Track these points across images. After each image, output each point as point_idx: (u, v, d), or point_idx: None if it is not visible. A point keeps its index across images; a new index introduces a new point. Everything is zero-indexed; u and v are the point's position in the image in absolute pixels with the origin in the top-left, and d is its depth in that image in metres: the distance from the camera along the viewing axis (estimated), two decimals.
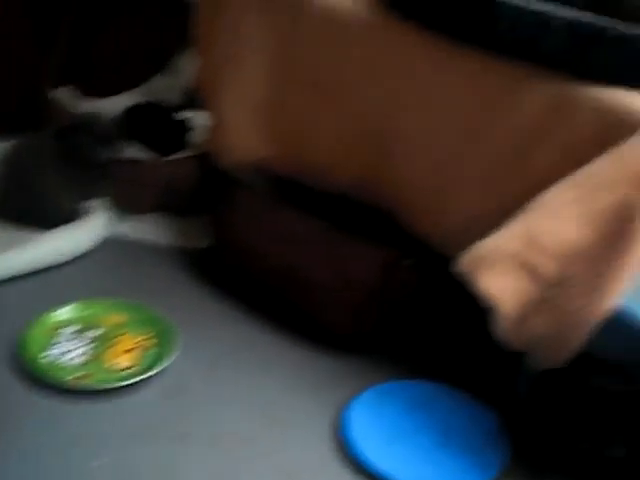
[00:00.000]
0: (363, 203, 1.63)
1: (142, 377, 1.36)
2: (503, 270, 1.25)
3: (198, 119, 1.95)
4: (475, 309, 1.31)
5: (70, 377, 1.35)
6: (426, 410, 1.39)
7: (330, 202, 1.65)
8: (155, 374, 1.37)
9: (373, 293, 1.48)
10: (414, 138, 1.47)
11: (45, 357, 1.39)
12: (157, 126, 1.92)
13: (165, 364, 1.39)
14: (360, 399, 1.38)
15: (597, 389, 1.28)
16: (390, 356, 1.52)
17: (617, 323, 1.23)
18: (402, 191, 1.54)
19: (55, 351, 1.41)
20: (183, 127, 1.93)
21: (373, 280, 1.48)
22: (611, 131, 1.25)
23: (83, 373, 1.37)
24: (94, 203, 1.75)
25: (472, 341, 1.55)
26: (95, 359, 1.40)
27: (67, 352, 1.41)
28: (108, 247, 1.72)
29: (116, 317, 1.50)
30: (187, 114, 1.97)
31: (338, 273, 1.49)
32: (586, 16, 1.26)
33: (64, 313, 1.49)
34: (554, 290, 1.25)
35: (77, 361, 1.39)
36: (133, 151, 1.84)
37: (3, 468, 1.19)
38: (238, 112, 1.67)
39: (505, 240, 1.25)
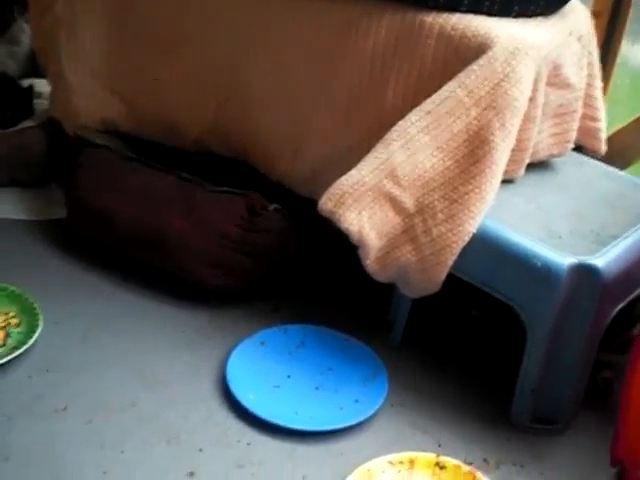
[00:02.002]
0: (221, 155, 1.61)
1: (10, 357, 1.31)
2: (365, 204, 1.26)
3: (43, 85, 1.88)
4: (344, 247, 1.32)
5: None
6: (304, 353, 1.40)
7: (187, 157, 1.62)
8: (23, 352, 1.33)
9: (238, 242, 1.46)
10: (263, 84, 1.46)
11: None
12: (0, 96, 1.83)
13: (32, 341, 1.35)
14: (239, 350, 1.38)
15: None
16: (264, 304, 1.52)
17: (479, 244, 1.27)
18: (254, 139, 1.52)
19: None
20: (28, 95, 1.86)
21: (236, 228, 1.45)
22: (459, 55, 1.27)
23: None
24: None
25: (344, 279, 1.57)
26: None
27: None
28: None
29: None
30: (31, 81, 1.90)
31: (200, 226, 1.46)
32: None
33: None
34: (415, 219, 1.28)
35: None
36: None
37: None
38: (78, 73, 1.62)
39: (364, 174, 1.26)
